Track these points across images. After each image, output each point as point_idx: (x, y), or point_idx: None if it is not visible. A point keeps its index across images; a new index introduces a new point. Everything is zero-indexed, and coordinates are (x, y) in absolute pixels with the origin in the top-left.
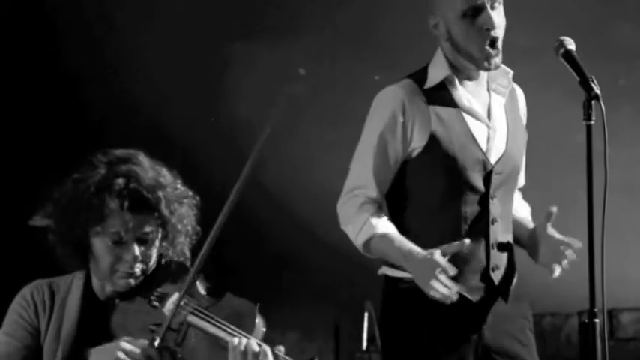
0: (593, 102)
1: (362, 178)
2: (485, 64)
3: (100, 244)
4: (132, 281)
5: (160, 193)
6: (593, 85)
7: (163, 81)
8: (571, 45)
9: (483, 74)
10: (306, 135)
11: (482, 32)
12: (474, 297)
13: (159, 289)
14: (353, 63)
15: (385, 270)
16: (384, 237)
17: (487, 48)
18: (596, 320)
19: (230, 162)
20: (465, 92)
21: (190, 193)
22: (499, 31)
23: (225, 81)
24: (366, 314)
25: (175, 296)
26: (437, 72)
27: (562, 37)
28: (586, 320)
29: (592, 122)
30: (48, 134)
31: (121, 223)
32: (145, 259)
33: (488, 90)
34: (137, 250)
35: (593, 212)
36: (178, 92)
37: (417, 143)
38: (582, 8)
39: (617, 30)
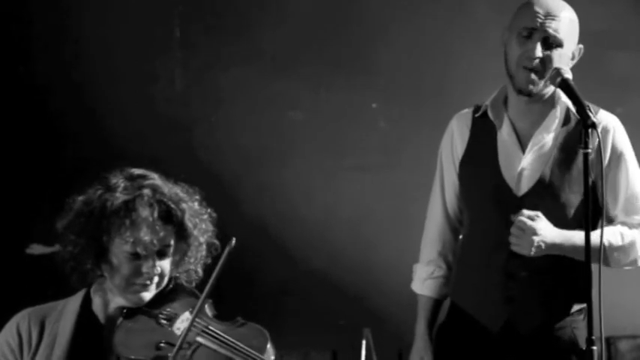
0: (590, 130)
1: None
2: (517, 84)
3: (121, 255)
4: (146, 295)
5: (184, 205)
6: (590, 114)
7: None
8: (568, 73)
9: (550, 101)
10: (302, 164)
11: (524, 55)
12: (494, 327)
13: (167, 309)
14: (350, 91)
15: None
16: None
17: (523, 70)
18: (594, 348)
19: (224, 187)
20: (506, 118)
21: (208, 210)
22: (539, 65)
23: (221, 109)
24: (363, 342)
25: (186, 315)
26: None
27: (558, 66)
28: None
29: (589, 150)
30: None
31: (152, 233)
32: (162, 273)
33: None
34: (157, 263)
35: (590, 239)
36: (173, 123)
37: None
38: (580, 37)
39: (615, 58)
